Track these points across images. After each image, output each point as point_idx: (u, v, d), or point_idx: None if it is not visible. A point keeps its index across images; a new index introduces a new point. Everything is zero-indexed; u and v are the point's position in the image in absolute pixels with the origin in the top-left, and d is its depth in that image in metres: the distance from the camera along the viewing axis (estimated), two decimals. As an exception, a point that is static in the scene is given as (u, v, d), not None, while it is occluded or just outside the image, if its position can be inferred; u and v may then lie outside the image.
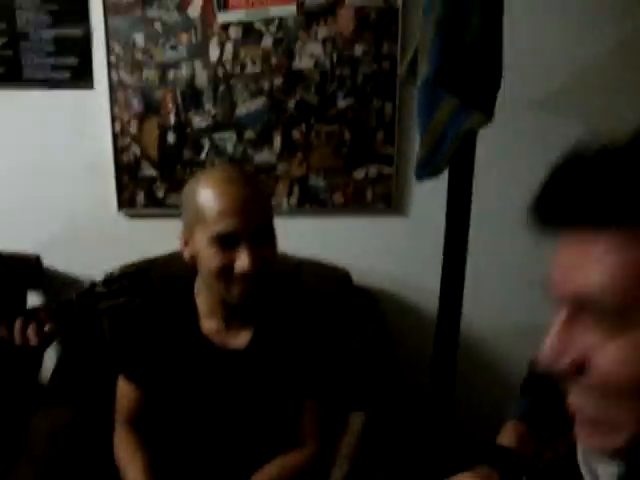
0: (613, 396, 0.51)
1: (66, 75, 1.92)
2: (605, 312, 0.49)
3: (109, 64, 1.90)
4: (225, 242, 1.21)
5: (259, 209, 1.25)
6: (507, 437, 0.96)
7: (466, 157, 1.43)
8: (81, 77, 1.92)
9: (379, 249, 2.05)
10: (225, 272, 1.23)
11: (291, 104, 1.93)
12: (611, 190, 0.49)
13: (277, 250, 1.32)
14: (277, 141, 1.95)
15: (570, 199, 0.52)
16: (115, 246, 1.96)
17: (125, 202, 1.99)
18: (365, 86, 1.92)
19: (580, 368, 0.52)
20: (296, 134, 1.95)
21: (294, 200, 2.00)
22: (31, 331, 1.16)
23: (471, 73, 1.31)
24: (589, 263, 0.50)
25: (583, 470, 0.68)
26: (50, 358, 1.78)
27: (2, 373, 1.68)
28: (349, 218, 2.04)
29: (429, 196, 1.91)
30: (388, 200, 2.01)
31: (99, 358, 1.72)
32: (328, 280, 1.85)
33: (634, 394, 0.49)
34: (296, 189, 1.99)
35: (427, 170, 1.44)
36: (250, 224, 1.21)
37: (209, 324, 1.38)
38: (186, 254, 1.30)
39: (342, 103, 1.93)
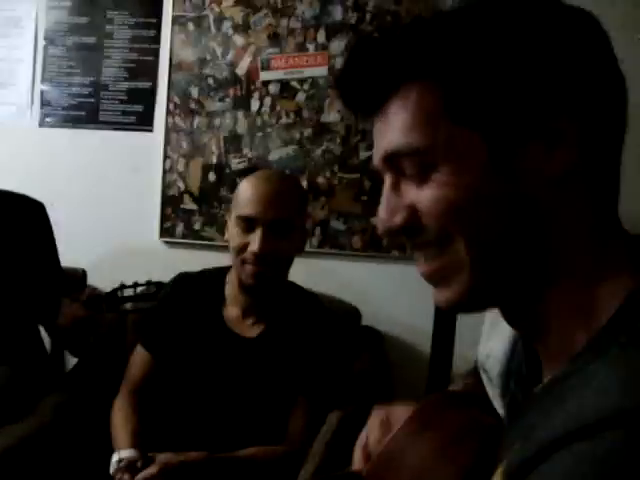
0: (446, 244, 0.55)
1: (132, 119, 2.27)
2: (411, 163, 0.55)
3: (168, 111, 2.23)
4: (245, 224, 1.43)
5: (281, 204, 1.45)
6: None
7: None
8: (144, 121, 2.26)
9: (391, 294, 2.14)
10: (242, 249, 1.44)
11: (318, 152, 2.15)
12: (387, 56, 0.56)
13: (294, 249, 1.51)
14: (303, 185, 2.15)
15: (359, 81, 0.59)
16: (153, 270, 2.16)
17: (166, 231, 2.25)
18: (385, 140, 2.10)
19: (412, 223, 0.56)
20: (320, 180, 2.15)
21: (315, 241, 2.16)
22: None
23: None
24: (388, 127, 0.57)
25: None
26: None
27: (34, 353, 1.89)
28: (366, 263, 2.16)
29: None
30: (403, 247, 2.12)
31: (118, 359, 1.89)
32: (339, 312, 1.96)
33: (459, 230, 0.54)
34: (317, 231, 2.16)
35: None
36: (268, 214, 1.42)
37: (230, 312, 1.55)
38: (225, 237, 1.55)
39: (364, 154, 2.13)
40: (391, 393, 1.91)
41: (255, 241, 1.41)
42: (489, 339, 0.74)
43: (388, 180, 0.59)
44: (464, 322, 1.94)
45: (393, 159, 0.57)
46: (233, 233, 1.47)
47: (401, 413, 0.72)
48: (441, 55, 0.54)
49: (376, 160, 0.60)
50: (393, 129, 0.56)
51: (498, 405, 0.71)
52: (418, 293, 2.10)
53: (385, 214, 0.58)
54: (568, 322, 0.54)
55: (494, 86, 0.52)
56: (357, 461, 0.75)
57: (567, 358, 0.52)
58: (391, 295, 2.14)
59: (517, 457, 0.46)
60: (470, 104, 0.53)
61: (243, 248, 1.44)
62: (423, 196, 0.55)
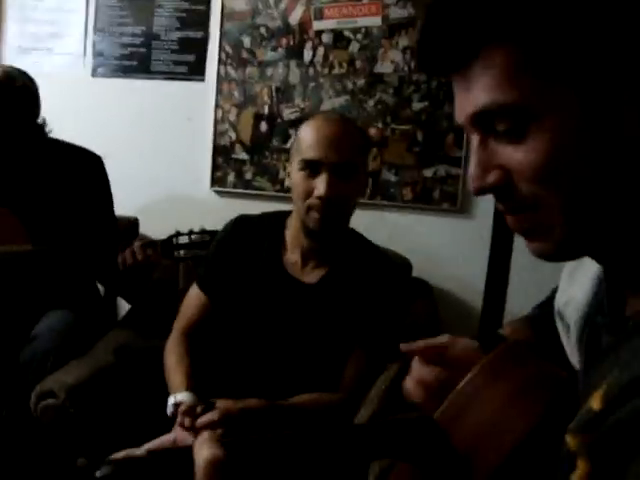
0: (540, 201, 0.55)
1: (184, 69, 2.28)
2: (505, 121, 0.54)
3: (219, 61, 2.23)
4: (310, 168, 1.41)
5: (345, 147, 1.43)
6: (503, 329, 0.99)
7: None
8: (196, 71, 2.27)
9: (441, 246, 2.15)
10: (307, 195, 1.42)
11: (370, 103, 2.14)
12: (469, 14, 0.55)
13: (358, 192, 1.50)
14: (356, 135, 2.15)
15: (442, 41, 0.57)
16: (203, 220, 2.18)
17: (217, 181, 2.27)
18: (439, 91, 2.10)
19: (506, 184, 0.56)
20: (373, 130, 2.15)
21: (367, 192, 2.17)
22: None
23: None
24: (475, 86, 0.56)
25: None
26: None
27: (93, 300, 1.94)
28: (416, 215, 2.17)
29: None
30: (454, 200, 2.13)
31: (170, 306, 1.93)
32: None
33: (554, 190, 0.54)
34: (370, 182, 2.16)
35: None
36: (333, 156, 1.40)
37: (290, 257, 1.54)
38: (287, 183, 1.55)
39: (417, 105, 2.12)
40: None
41: (321, 185, 1.39)
42: (569, 286, 0.74)
43: (476, 138, 0.58)
44: (516, 281, 1.95)
45: (483, 117, 0.56)
46: (297, 179, 1.44)
47: (464, 347, 0.74)
48: (527, 13, 0.53)
49: (461, 118, 0.59)
50: (482, 88, 0.55)
51: (572, 353, 0.71)
52: (470, 248, 2.15)
53: (477, 172, 0.57)
54: None
55: (582, 38, 0.51)
56: (414, 394, 0.76)
57: None
58: (442, 248, 2.15)
59: (617, 382, 0.47)
60: (559, 59, 0.52)
61: (309, 194, 1.42)
62: (518, 156, 0.54)
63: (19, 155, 1.78)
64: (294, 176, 1.46)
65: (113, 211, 1.94)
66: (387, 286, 1.53)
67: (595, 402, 0.48)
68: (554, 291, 0.95)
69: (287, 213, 1.58)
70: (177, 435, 1.33)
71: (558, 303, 0.77)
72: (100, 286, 2.05)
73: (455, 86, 0.59)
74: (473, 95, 0.56)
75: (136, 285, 1.94)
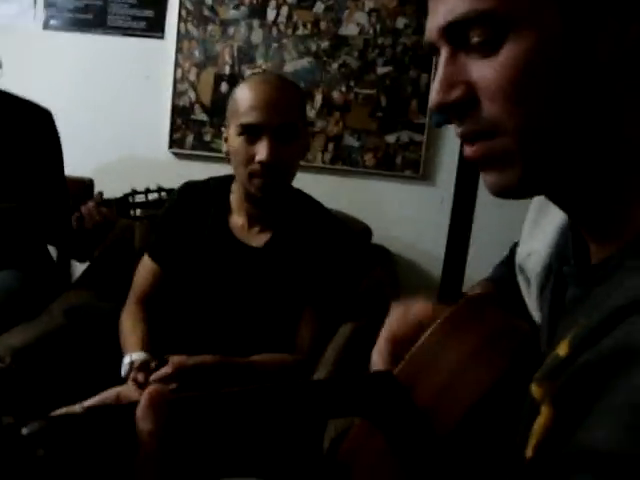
0: (498, 127, 0.52)
1: (142, 25, 2.19)
2: (481, 31, 0.51)
3: (180, 18, 2.15)
4: (250, 132, 1.36)
5: (285, 108, 1.39)
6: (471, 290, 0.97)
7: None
8: (155, 28, 2.19)
9: (402, 214, 2.14)
10: (248, 161, 1.38)
11: (334, 66, 2.10)
12: None
13: (300, 155, 1.46)
14: (318, 99, 2.12)
15: None
16: (161, 181, 2.13)
17: (175, 142, 2.20)
18: (404, 56, 2.07)
19: (469, 99, 0.53)
20: (336, 94, 2.11)
21: (328, 157, 2.14)
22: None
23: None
24: None
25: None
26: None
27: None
28: (377, 181, 2.15)
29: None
30: (417, 167, 2.11)
31: (126, 265, 1.88)
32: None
33: (515, 113, 0.51)
34: (331, 146, 2.14)
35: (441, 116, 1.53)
36: (273, 119, 1.35)
37: (236, 220, 1.51)
38: (224, 149, 1.47)
39: (381, 70, 2.09)
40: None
41: (263, 150, 1.35)
42: (531, 238, 0.73)
43: (445, 52, 0.54)
44: (476, 247, 1.96)
45: (457, 28, 0.53)
46: (236, 145, 1.39)
47: (422, 308, 0.71)
48: None
49: (433, 31, 0.55)
50: None
51: (533, 306, 0.71)
52: (431, 215, 2.14)
53: (441, 87, 0.53)
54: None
55: None
56: (383, 354, 0.74)
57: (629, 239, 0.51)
58: (403, 216, 2.14)
59: (585, 327, 0.46)
60: None
61: (250, 160, 1.37)
62: (487, 71, 0.51)
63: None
64: (233, 142, 1.40)
65: (63, 169, 1.86)
66: (334, 245, 1.51)
67: (561, 349, 0.47)
68: (512, 249, 0.95)
69: (232, 177, 1.53)
70: (121, 390, 1.32)
71: (519, 257, 0.76)
72: (53, 248, 1.98)
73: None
74: (450, 3, 0.52)
75: (90, 245, 1.89)
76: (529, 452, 0.48)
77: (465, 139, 0.55)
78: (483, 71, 0.52)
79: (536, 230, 0.72)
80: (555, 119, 0.51)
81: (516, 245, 0.82)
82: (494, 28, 0.50)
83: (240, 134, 1.37)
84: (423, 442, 0.55)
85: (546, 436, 0.47)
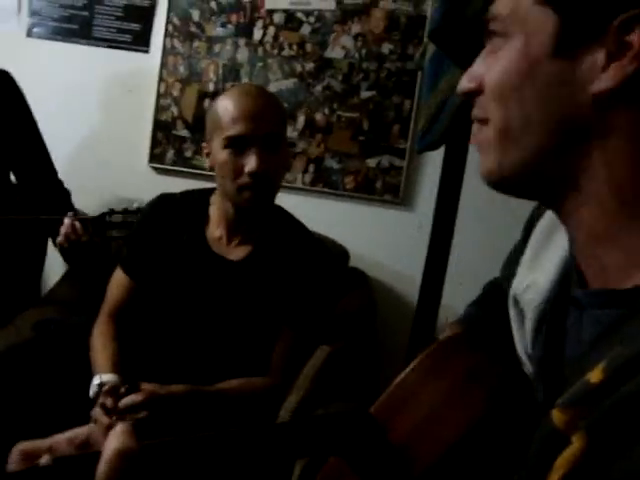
0: (484, 122, 0.58)
1: (128, 38, 2.19)
2: (494, 30, 0.57)
3: (166, 33, 2.15)
4: (236, 145, 1.35)
5: (269, 118, 1.39)
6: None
7: (461, 140, 1.50)
8: (140, 41, 2.18)
9: (380, 238, 2.14)
10: (237, 174, 1.36)
11: (318, 88, 2.11)
12: None
13: (285, 165, 1.48)
14: (301, 120, 2.12)
15: None
16: (140, 196, 2.12)
17: (156, 157, 2.19)
18: (388, 81, 2.08)
19: (475, 91, 0.58)
20: (319, 116, 2.12)
21: (308, 178, 2.14)
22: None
23: (474, 46, 1.42)
24: None
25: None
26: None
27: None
28: (357, 204, 2.15)
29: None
30: (397, 192, 2.12)
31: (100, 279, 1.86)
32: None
33: (502, 110, 0.56)
34: (312, 168, 2.14)
35: (426, 141, 1.54)
36: (259, 129, 1.35)
37: (214, 233, 1.49)
38: (207, 164, 1.46)
39: (365, 94, 2.10)
40: (375, 337, 1.92)
41: (252, 161, 1.34)
42: (532, 271, 0.73)
43: (486, 47, 0.60)
44: (452, 273, 1.94)
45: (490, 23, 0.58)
46: (222, 158, 1.37)
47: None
48: None
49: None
50: None
51: (521, 340, 0.70)
52: (409, 240, 2.14)
53: (465, 77, 0.60)
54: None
55: None
56: None
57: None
58: (381, 240, 2.14)
59: (623, 355, 0.44)
60: None
61: (238, 172, 1.36)
62: (488, 67, 0.57)
63: None
64: (218, 156, 1.39)
65: (37, 127, 1.85)
66: (314, 265, 1.49)
67: (594, 376, 0.45)
68: (486, 288, 0.95)
69: (211, 190, 1.52)
70: (91, 433, 1.31)
71: (515, 289, 0.76)
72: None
73: None
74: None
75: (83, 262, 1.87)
76: None
77: (473, 121, 0.61)
78: (488, 68, 0.57)
79: (536, 264, 0.72)
80: (526, 126, 0.55)
81: (491, 284, 0.82)
82: (500, 29, 0.56)
83: (225, 147, 1.36)
84: None
85: (576, 467, 0.43)
